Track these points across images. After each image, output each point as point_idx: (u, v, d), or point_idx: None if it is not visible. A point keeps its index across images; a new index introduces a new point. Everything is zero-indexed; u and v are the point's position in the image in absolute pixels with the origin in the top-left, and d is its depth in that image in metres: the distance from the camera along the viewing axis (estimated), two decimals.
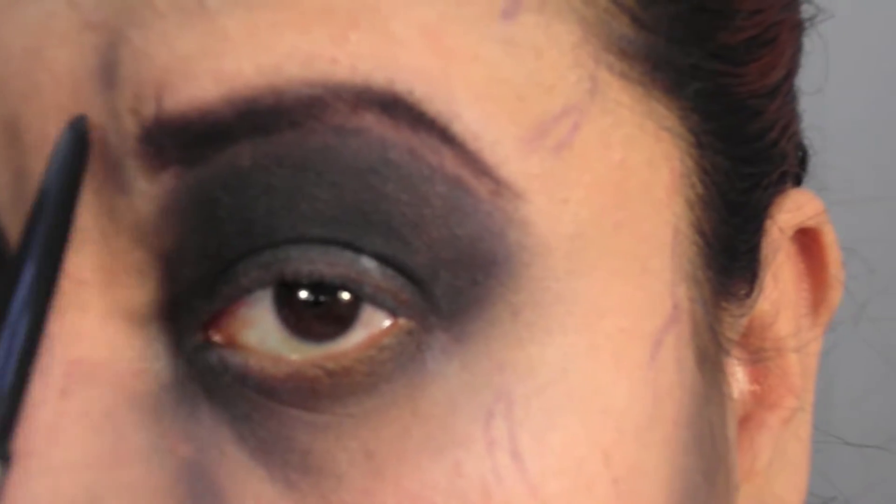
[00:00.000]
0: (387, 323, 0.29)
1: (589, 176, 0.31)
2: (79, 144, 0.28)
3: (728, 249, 0.35)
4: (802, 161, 0.41)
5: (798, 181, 0.42)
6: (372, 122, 0.28)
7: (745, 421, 0.37)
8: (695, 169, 0.33)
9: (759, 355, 0.37)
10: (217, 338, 0.29)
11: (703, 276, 0.34)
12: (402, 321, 0.29)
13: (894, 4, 0.93)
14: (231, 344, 0.29)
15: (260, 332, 0.29)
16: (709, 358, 0.34)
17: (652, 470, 0.31)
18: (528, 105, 0.30)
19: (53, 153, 0.28)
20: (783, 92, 0.36)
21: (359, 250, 0.28)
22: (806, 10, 0.39)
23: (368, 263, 0.28)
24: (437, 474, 0.29)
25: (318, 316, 0.29)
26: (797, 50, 0.38)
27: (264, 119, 0.28)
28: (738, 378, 0.37)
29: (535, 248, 0.30)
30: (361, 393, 0.29)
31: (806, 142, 0.41)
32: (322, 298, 0.29)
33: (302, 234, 0.28)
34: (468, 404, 0.29)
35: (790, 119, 0.37)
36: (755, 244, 0.36)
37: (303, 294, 0.29)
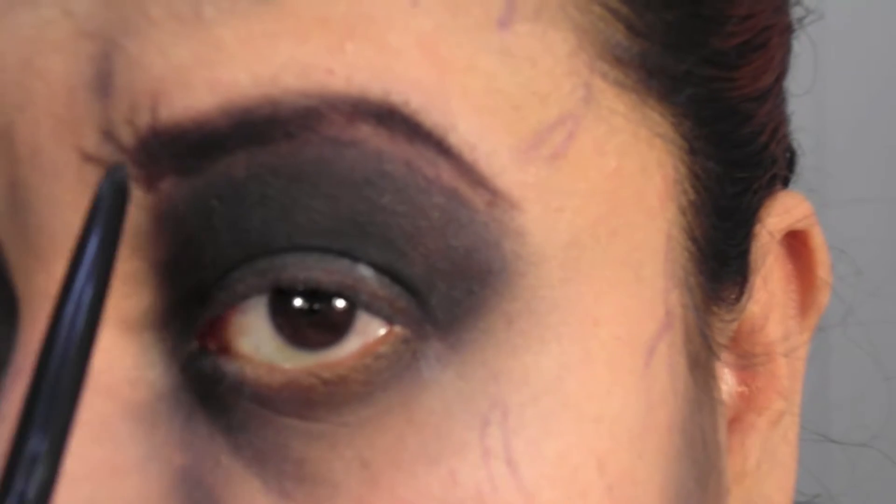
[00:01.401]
0: (382, 331, 0.29)
1: (584, 184, 0.31)
2: (118, 195, 0.27)
3: (719, 254, 0.35)
4: (791, 162, 0.41)
5: (786, 182, 0.42)
6: (368, 134, 0.28)
7: (733, 423, 0.37)
8: (687, 175, 0.33)
9: (748, 358, 0.37)
10: (212, 345, 0.29)
11: (694, 282, 0.34)
12: (397, 329, 0.29)
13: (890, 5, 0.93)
14: (226, 351, 0.29)
15: (254, 339, 0.29)
16: (700, 363, 0.34)
17: (646, 477, 0.31)
18: (523, 114, 0.30)
19: (93, 204, 0.27)
20: (773, 95, 0.36)
21: (355, 258, 0.28)
22: (795, 12, 0.39)
23: (365, 271, 0.28)
24: (432, 483, 0.29)
25: (313, 324, 0.29)
26: (787, 52, 0.38)
27: (260, 129, 0.28)
28: (727, 380, 0.37)
29: (531, 258, 0.30)
30: (357, 402, 0.29)
31: (795, 143, 0.41)
32: (317, 306, 0.29)
33: (298, 243, 0.28)
34: (463, 412, 0.29)
35: (780, 121, 0.37)
36: (745, 248, 0.36)
37: (297, 301, 0.29)
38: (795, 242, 0.38)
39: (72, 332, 0.26)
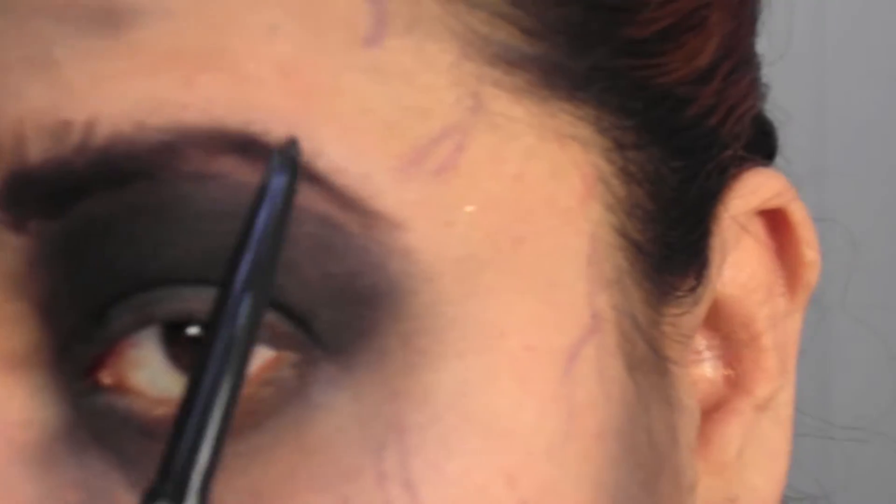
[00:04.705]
0: (270, 356, 0.29)
1: (479, 195, 0.30)
2: (289, 171, 0.27)
3: (664, 247, 0.33)
4: (767, 137, 0.40)
5: (770, 156, 0.40)
6: (230, 166, 0.28)
7: (714, 411, 0.36)
8: (614, 171, 0.32)
9: (731, 342, 0.36)
10: (107, 380, 0.29)
11: (632, 281, 0.32)
12: (284, 354, 0.29)
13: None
14: (121, 386, 0.29)
15: (150, 372, 0.29)
16: (646, 363, 0.33)
17: (570, 488, 0.30)
18: (399, 132, 0.29)
19: (266, 177, 0.27)
20: (721, 73, 0.35)
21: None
22: None
23: None
24: None
25: None
26: (740, 26, 0.36)
27: (118, 169, 0.28)
28: (708, 366, 0.36)
29: (422, 275, 0.29)
30: (247, 430, 0.28)
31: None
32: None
33: (170, 278, 0.28)
34: (358, 436, 0.29)
35: (739, 99, 0.36)
36: (699, 236, 0.35)
37: (192, 330, 0.29)
38: (777, 220, 0.37)
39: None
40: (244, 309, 0.27)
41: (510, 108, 0.30)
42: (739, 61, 0.36)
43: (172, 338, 0.29)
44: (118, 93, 0.27)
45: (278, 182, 0.27)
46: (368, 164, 0.28)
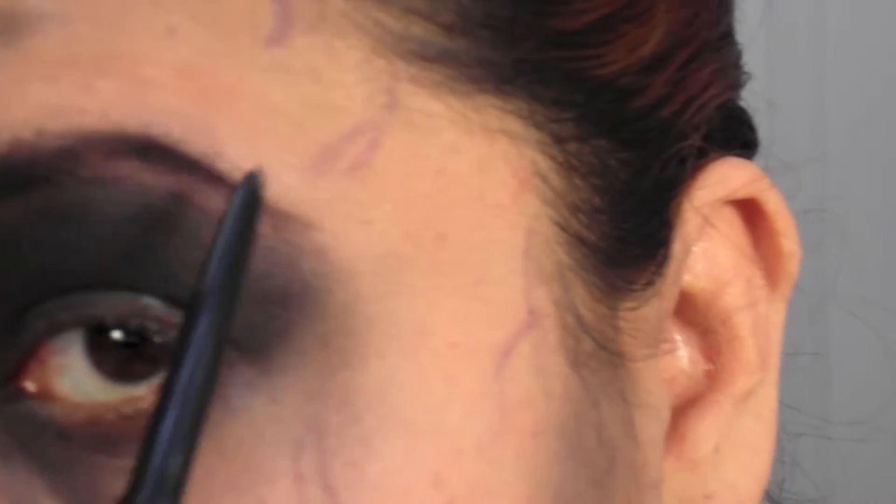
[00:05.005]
0: None
1: (397, 192, 0.29)
2: (251, 202, 0.28)
3: (615, 241, 0.33)
4: (742, 126, 0.39)
5: (748, 146, 0.39)
6: (131, 170, 0.28)
7: (689, 406, 0.35)
8: (553, 165, 0.31)
9: (708, 333, 0.35)
10: (32, 388, 0.29)
11: (575, 275, 0.32)
12: None
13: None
14: (45, 393, 0.29)
15: (73, 378, 0.29)
16: (594, 359, 0.32)
17: (502, 486, 0.30)
18: (307, 131, 0.29)
19: (228, 210, 0.28)
20: (676, 62, 0.34)
21: (140, 290, 0.28)
22: None
23: (150, 301, 0.28)
24: None
25: (132, 357, 0.29)
26: (697, 14, 0.35)
27: (20, 175, 0.28)
28: (687, 359, 0.35)
29: (337, 275, 0.29)
30: None
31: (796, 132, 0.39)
32: (134, 339, 0.29)
33: (78, 283, 0.28)
34: (275, 438, 0.28)
35: (700, 89, 0.35)
36: (655, 229, 0.34)
37: (115, 335, 0.29)
38: (752, 211, 0.36)
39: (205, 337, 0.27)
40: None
41: (429, 104, 0.30)
42: (699, 50, 0.35)
43: (96, 344, 0.29)
44: (17, 99, 0.28)
45: (238, 213, 0.27)
46: (273, 164, 0.28)
